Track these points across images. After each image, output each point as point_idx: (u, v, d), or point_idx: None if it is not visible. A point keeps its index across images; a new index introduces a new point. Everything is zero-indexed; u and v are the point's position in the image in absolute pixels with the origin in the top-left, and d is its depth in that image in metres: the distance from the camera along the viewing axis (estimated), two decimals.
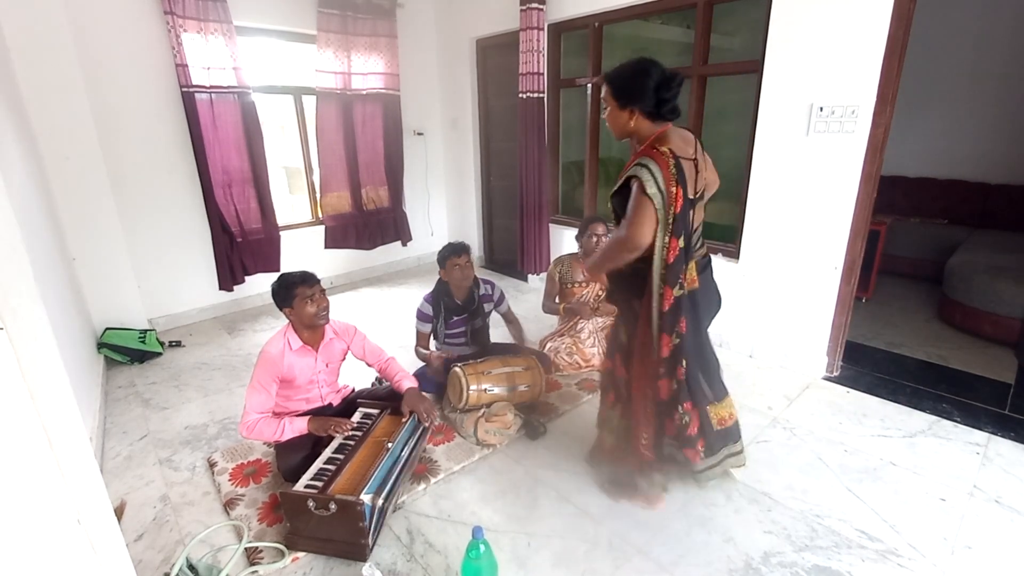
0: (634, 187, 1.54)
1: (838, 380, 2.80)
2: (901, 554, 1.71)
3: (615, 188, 1.65)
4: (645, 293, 1.62)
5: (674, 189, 1.52)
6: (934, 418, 2.44)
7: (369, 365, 2.33)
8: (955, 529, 1.81)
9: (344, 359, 2.29)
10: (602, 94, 1.68)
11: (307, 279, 2.07)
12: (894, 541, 1.76)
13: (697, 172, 1.65)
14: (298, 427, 2.02)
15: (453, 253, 2.58)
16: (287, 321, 2.11)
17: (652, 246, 1.56)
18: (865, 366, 2.92)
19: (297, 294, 2.02)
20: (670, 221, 1.53)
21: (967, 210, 4.45)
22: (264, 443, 2.27)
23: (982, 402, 2.56)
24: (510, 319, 2.89)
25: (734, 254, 3.13)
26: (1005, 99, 4.24)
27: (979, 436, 2.31)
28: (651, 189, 1.50)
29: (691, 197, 1.60)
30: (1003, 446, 2.24)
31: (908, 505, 1.92)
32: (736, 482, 2.04)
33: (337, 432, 2.02)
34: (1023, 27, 4.06)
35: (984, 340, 3.21)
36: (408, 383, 2.25)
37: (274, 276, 4.19)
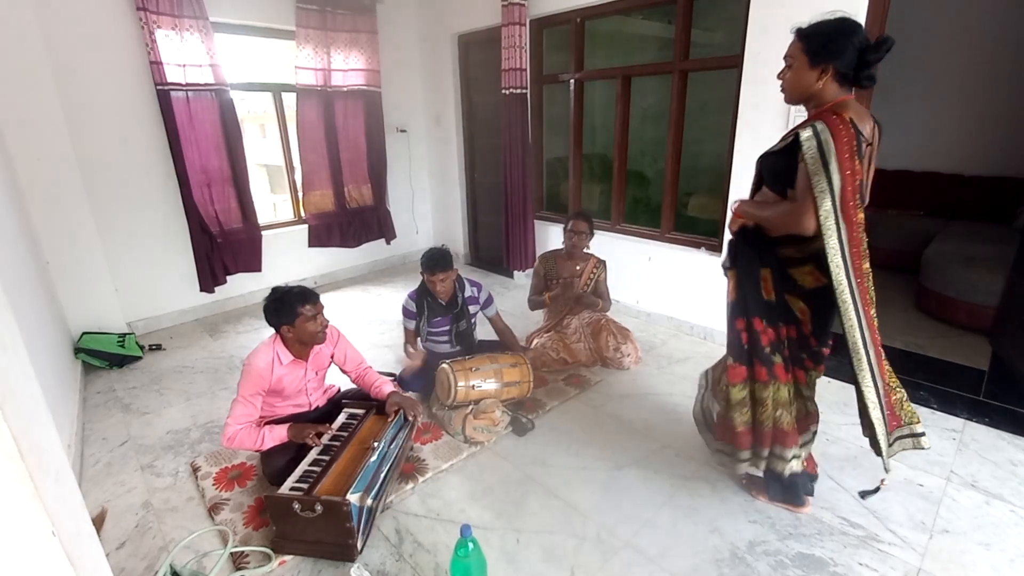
0: (803, 161, 1.45)
1: None
2: (882, 539, 1.75)
3: (777, 148, 1.58)
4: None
5: (857, 165, 1.43)
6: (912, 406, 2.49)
7: (345, 372, 2.29)
8: (933, 514, 1.85)
9: (330, 365, 2.26)
10: (787, 52, 1.55)
11: (308, 296, 1.98)
12: (875, 527, 1.80)
13: (870, 162, 1.55)
14: (278, 435, 1.98)
15: (429, 271, 2.49)
16: (273, 333, 2.04)
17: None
18: (845, 356, 2.95)
19: (301, 313, 1.94)
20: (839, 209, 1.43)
21: (942, 201, 4.55)
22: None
23: (958, 389, 2.63)
24: (499, 327, 2.81)
25: (717, 248, 3.16)
26: (980, 93, 4.33)
27: (955, 422, 2.37)
28: (811, 168, 1.42)
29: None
30: (978, 431, 2.30)
31: (888, 492, 1.96)
32: (722, 473, 2.07)
33: (315, 442, 1.95)
34: (998, 22, 4.15)
35: (959, 328, 3.29)
36: (388, 387, 2.24)
37: (256, 277, 4.16)
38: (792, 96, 1.59)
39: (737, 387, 1.74)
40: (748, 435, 1.78)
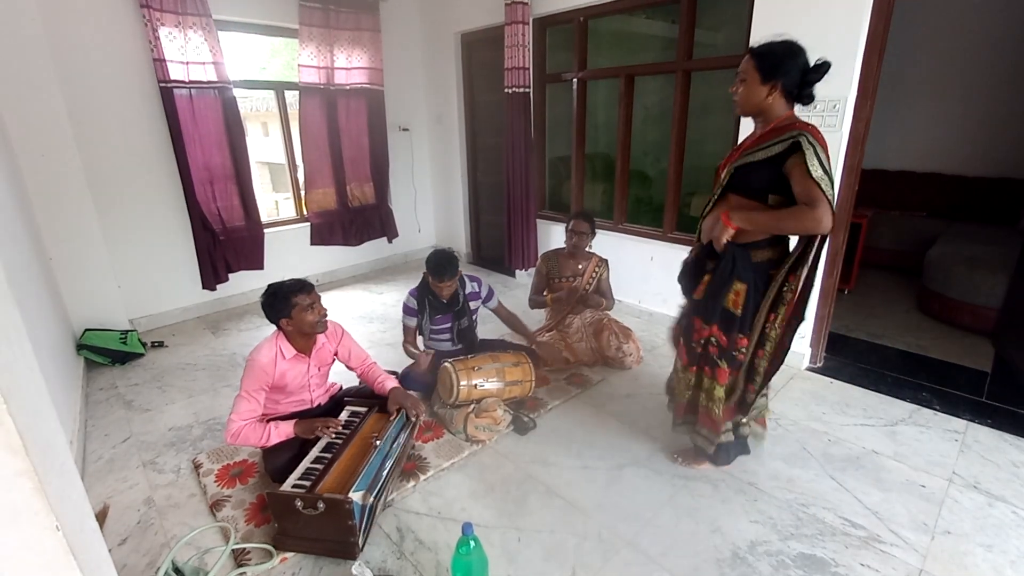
0: (798, 166, 1.55)
1: (821, 371, 2.84)
2: (883, 540, 1.75)
3: (760, 159, 1.64)
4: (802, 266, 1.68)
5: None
6: (914, 407, 2.50)
7: (350, 368, 2.29)
8: (935, 515, 1.85)
9: (333, 362, 2.26)
10: (740, 67, 1.69)
11: (304, 287, 1.98)
12: (876, 528, 1.80)
13: None
14: (284, 431, 1.98)
15: (436, 277, 2.46)
16: (276, 329, 2.04)
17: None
18: (848, 357, 2.97)
19: (296, 303, 1.94)
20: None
21: (946, 202, 4.54)
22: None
23: (960, 390, 2.62)
24: (504, 316, 2.83)
25: None
26: (983, 94, 4.32)
27: (958, 424, 2.36)
28: (816, 174, 1.53)
29: None
30: (981, 433, 2.30)
31: (890, 492, 1.96)
32: (723, 473, 2.07)
33: (324, 433, 1.99)
34: (1001, 22, 4.14)
35: (962, 330, 3.29)
36: (391, 383, 2.24)
37: (258, 275, 4.18)
38: (745, 108, 1.73)
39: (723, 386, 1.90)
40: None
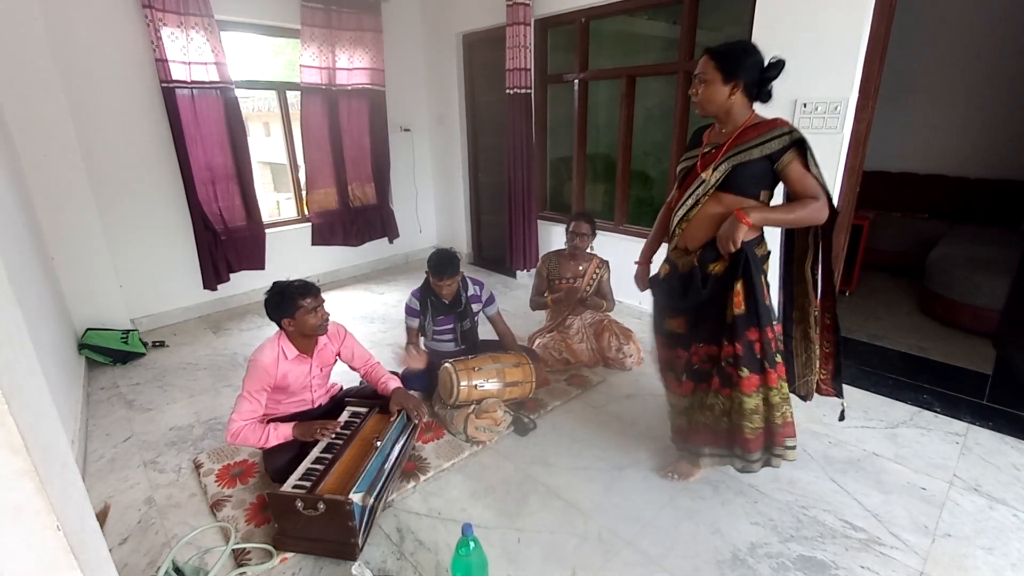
0: (797, 162, 1.60)
1: None
2: (884, 543, 1.74)
3: (755, 156, 1.64)
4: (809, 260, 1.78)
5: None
6: (915, 409, 2.49)
7: (354, 369, 2.30)
8: (936, 517, 1.85)
9: (335, 363, 2.26)
10: (699, 68, 1.69)
11: (309, 289, 1.99)
12: (877, 530, 1.80)
13: None
14: (283, 433, 1.98)
15: (437, 276, 2.48)
16: (278, 329, 2.05)
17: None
18: (848, 358, 2.96)
19: (301, 306, 1.95)
20: None
21: (947, 204, 4.53)
22: None
23: (961, 393, 2.62)
24: (500, 329, 2.77)
25: None
26: (984, 94, 4.31)
27: (959, 426, 2.36)
28: (814, 170, 1.60)
29: None
30: (982, 435, 2.29)
31: (890, 495, 1.96)
32: (723, 474, 2.06)
33: (322, 435, 1.98)
34: (1004, 23, 4.13)
35: (964, 332, 3.28)
36: (394, 383, 2.24)
37: (260, 274, 4.18)
38: (707, 109, 1.72)
39: (751, 395, 1.75)
40: (760, 438, 1.80)
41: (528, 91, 3.84)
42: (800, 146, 1.60)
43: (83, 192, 3.14)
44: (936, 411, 2.47)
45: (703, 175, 1.73)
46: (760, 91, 1.68)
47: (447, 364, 2.39)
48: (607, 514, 1.89)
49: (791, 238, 1.86)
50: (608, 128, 3.93)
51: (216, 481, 2.09)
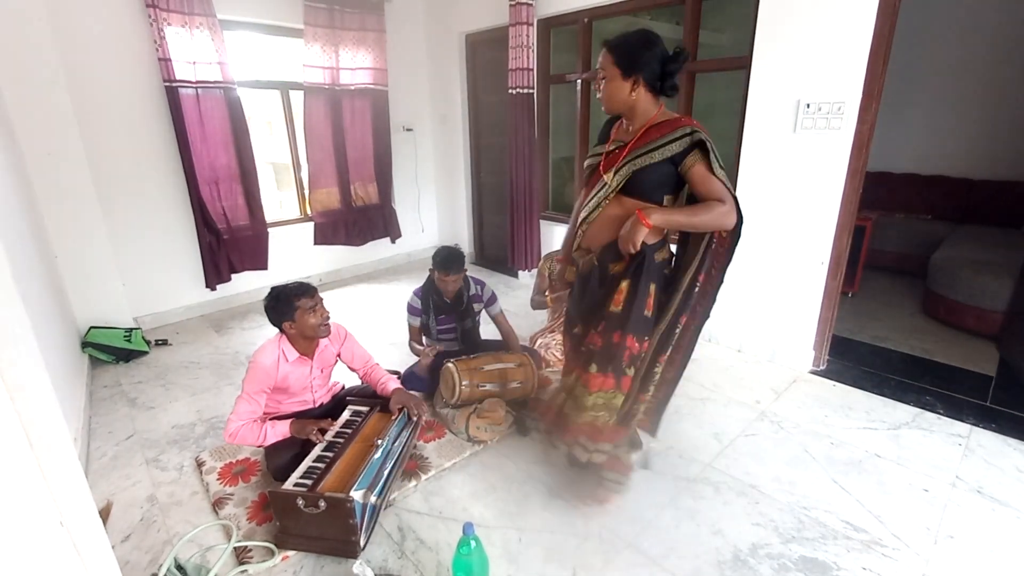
0: (700, 165, 1.54)
1: (825, 374, 2.83)
2: (886, 544, 1.74)
3: (657, 159, 1.56)
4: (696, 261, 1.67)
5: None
6: (918, 410, 2.48)
7: (353, 370, 2.30)
8: (938, 519, 1.84)
9: (336, 363, 2.27)
10: (599, 63, 1.62)
11: (306, 290, 1.99)
12: (879, 531, 1.79)
13: None
14: (280, 431, 1.99)
15: (443, 270, 2.48)
16: (278, 332, 2.05)
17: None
18: (851, 360, 2.95)
19: (299, 306, 1.95)
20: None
21: (951, 205, 4.51)
22: None
23: (964, 394, 2.61)
24: (504, 328, 2.75)
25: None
26: (988, 96, 4.30)
27: (961, 428, 2.35)
28: (719, 172, 1.53)
29: None
30: (984, 437, 2.29)
31: (892, 496, 1.95)
32: (725, 475, 2.06)
33: (318, 439, 1.97)
34: (1006, 25, 4.12)
35: (967, 333, 3.27)
36: (393, 384, 2.24)
37: (262, 274, 4.19)
38: (611, 106, 1.65)
39: (593, 394, 1.72)
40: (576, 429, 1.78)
41: (531, 91, 3.84)
42: (703, 147, 1.53)
43: (86, 191, 3.16)
44: (939, 412, 2.46)
45: (605, 177, 1.66)
46: (664, 85, 1.58)
47: (449, 364, 2.39)
48: (608, 514, 1.89)
49: (686, 242, 1.75)
50: None
51: (218, 479, 2.09)
